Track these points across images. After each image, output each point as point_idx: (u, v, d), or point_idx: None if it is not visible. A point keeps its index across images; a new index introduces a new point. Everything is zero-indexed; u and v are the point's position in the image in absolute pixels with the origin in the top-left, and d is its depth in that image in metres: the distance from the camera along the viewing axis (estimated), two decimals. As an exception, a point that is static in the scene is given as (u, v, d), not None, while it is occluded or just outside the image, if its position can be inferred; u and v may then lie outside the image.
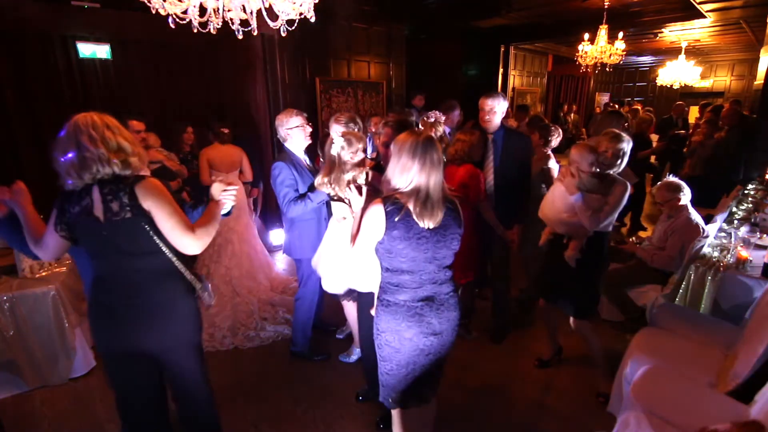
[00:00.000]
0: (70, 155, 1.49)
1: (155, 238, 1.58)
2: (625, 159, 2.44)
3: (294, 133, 2.67)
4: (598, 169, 2.39)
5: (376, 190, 2.09)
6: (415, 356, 1.69)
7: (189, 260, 1.75)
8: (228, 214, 1.87)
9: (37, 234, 1.64)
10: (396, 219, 1.54)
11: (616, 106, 10.72)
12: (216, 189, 1.81)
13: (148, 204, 1.54)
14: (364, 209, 1.71)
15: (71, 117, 1.54)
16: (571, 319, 2.55)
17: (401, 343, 1.67)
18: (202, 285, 1.78)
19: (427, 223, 1.57)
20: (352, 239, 1.73)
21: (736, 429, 1.11)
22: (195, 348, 1.78)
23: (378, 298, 1.73)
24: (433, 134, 2.09)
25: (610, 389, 2.43)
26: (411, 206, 1.56)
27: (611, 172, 2.42)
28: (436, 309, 1.66)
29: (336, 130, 2.69)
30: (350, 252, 1.77)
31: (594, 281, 2.52)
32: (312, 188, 2.56)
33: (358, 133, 2.43)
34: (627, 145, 2.42)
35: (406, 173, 1.57)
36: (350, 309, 2.71)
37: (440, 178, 1.60)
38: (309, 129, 2.73)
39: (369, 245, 1.64)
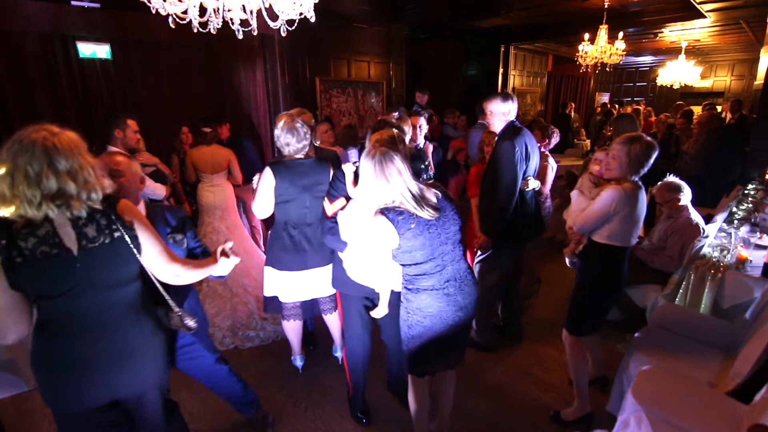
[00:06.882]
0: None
1: (141, 260, 1.38)
2: (643, 163, 2.06)
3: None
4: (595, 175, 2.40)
5: None
6: (444, 330, 1.84)
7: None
8: (221, 278, 1.84)
9: None
10: (411, 225, 1.67)
11: (617, 106, 10.74)
12: (220, 249, 1.65)
13: (136, 225, 1.36)
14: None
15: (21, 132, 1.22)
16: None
17: (432, 321, 1.81)
18: (181, 312, 1.59)
19: (429, 215, 1.70)
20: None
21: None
22: (161, 389, 1.62)
23: (405, 288, 1.85)
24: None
25: (571, 416, 2.38)
26: (410, 208, 1.69)
27: (634, 177, 2.09)
28: (459, 287, 1.82)
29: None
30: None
31: (589, 297, 2.29)
32: None
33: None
34: (630, 149, 2.03)
35: (385, 193, 1.70)
36: (330, 320, 2.73)
37: (411, 176, 1.71)
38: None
39: (383, 255, 1.77)
